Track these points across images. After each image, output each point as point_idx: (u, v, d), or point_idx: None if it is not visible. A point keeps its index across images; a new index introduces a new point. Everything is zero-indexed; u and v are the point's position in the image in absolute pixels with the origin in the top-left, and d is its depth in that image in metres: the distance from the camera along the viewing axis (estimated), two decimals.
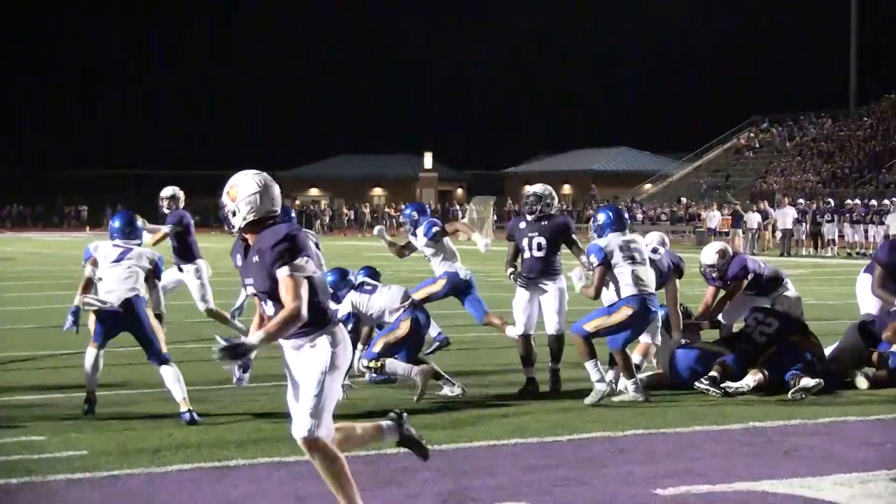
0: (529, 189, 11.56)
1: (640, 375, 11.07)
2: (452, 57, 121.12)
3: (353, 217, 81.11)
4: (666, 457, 8.50)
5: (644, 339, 11.28)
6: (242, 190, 6.25)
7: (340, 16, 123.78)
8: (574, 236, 11.33)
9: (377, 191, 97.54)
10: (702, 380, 10.92)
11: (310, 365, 6.18)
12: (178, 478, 7.78)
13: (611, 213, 11.06)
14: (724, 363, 11.09)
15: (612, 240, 10.76)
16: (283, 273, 6.06)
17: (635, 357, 11.21)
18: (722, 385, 10.85)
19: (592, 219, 11.18)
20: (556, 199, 11.52)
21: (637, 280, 10.63)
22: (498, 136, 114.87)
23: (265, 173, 6.38)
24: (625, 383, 10.83)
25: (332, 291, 10.82)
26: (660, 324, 11.33)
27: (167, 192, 14.98)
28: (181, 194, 14.97)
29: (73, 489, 7.45)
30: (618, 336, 10.69)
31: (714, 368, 11.03)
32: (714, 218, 49.24)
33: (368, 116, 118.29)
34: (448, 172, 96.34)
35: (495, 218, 66.85)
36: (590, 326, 10.63)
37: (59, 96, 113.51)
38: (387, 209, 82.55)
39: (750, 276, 12.16)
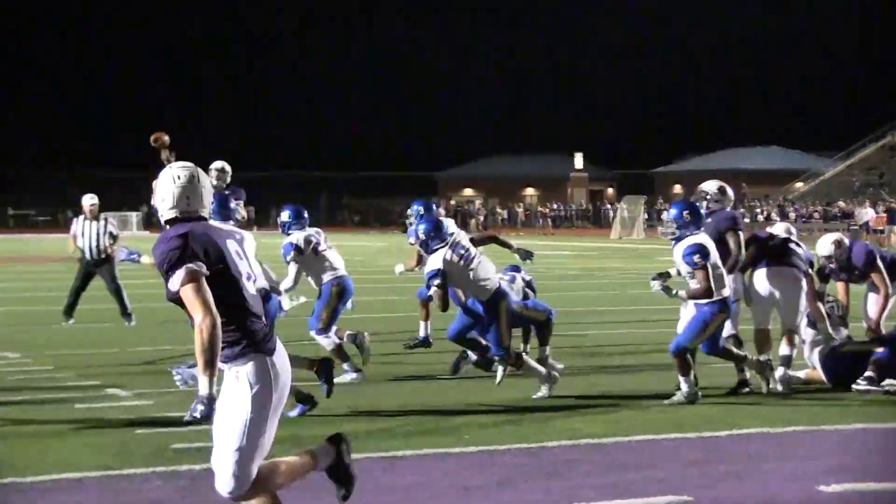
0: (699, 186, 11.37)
1: (797, 373, 10.88)
2: (602, 58, 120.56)
3: (506, 216, 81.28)
4: (828, 453, 8.34)
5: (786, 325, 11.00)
6: (161, 184, 5.62)
7: (497, 18, 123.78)
8: (739, 232, 10.89)
9: (529, 190, 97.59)
10: (859, 381, 10.60)
11: (231, 405, 5.38)
12: None
13: (692, 209, 10.43)
14: (879, 361, 10.76)
15: (703, 238, 10.29)
16: (177, 280, 5.26)
17: (784, 348, 10.93)
18: (882, 383, 10.56)
19: (666, 214, 10.74)
20: (728, 195, 11.16)
21: (723, 281, 10.30)
22: (648, 136, 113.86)
23: (194, 167, 5.68)
24: (751, 374, 10.61)
25: (422, 239, 10.67)
26: (802, 320, 11.05)
27: (218, 164, 14.79)
28: (230, 168, 14.76)
29: None
30: (708, 341, 10.40)
31: (869, 367, 10.74)
32: (867, 213, 47.96)
33: (521, 118, 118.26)
34: (598, 172, 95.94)
35: (646, 217, 66.36)
36: (692, 343, 10.25)
37: (208, 98, 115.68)
38: (539, 208, 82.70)
39: (878, 261, 11.67)
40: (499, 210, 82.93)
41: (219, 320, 5.19)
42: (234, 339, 5.36)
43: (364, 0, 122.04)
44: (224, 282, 5.37)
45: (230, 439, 5.34)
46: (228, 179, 14.36)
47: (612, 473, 7.70)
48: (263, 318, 5.56)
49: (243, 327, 5.38)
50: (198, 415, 5.15)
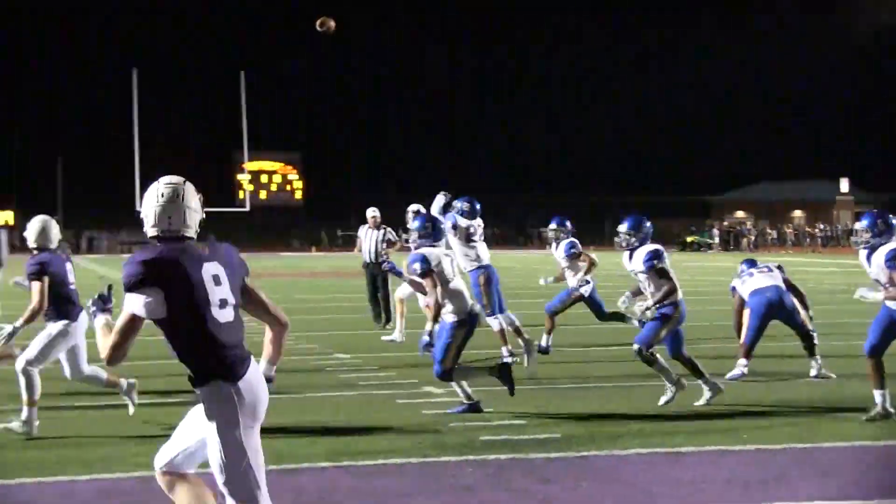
0: None
1: None
2: (864, 89, 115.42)
3: (775, 236, 79.06)
4: None
5: None
6: (146, 200, 4.90)
7: (764, 50, 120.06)
8: None
9: (797, 213, 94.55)
10: None
11: (207, 437, 4.76)
12: (637, 460, 7.80)
13: (885, 219, 9.47)
14: None
15: None
16: (125, 305, 4.65)
17: None
18: None
19: (859, 224, 9.77)
20: None
21: None
22: None
23: (181, 184, 4.92)
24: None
25: (629, 238, 9.98)
26: None
27: (414, 207, 14.93)
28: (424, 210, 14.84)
29: (550, 466, 7.63)
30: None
31: None
32: None
33: (789, 145, 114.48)
34: (864, 196, 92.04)
35: None
36: None
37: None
38: (807, 229, 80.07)
39: None
40: (768, 231, 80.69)
41: (108, 355, 4.66)
42: (195, 368, 4.73)
43: (643, 31, 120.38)
44: (187, 310, 4.64)
45: (221, 476, 4.72)
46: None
47: (886, 474, 7.35)
48: (236, 346, 4.77)
49: (204, 357, 4.68)
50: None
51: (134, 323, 4.63)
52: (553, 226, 14.17)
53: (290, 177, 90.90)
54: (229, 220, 78.90)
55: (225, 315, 4.73)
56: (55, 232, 9.33)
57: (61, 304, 9.08)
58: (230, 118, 70.82)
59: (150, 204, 4.85)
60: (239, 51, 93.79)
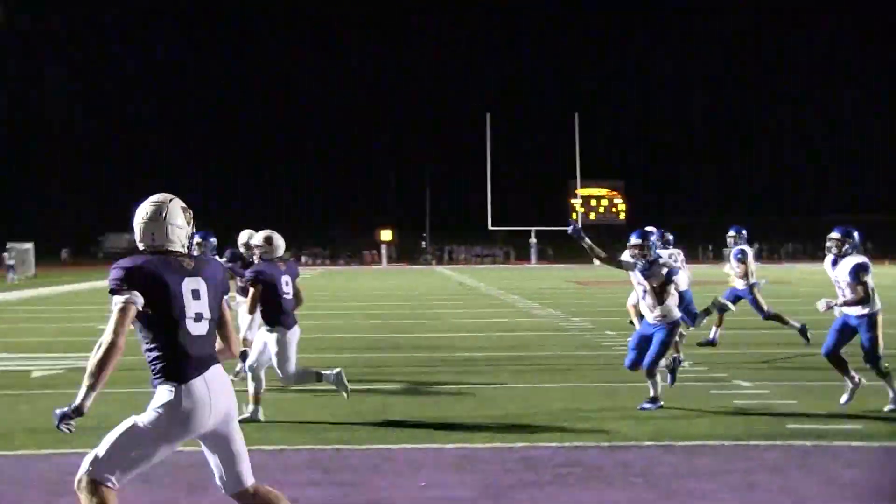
0: None
1: None
2: None
3: None
4: None
5: None
6: (135, 216, 4.44)
7: None
8: None
9: None
10: None
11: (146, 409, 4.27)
12: None
13: None
14: None
15: None
16: (113, 304, 4.21)
17: None
18: None
19: None
20: None
21: None
22: None
23: (165, 202, 4.42)
24: None
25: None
26: None
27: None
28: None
29: (853, 453, 7.17)
30: None
31: None
32: None
33: None
34: None
35: None
36: None
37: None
38: None
39: None
40: None
41: (121, 347, 4.13)
42: (154, 368, 4.25)
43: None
44: (160, 316, 4.22)
45: (115, 430, 4.21)
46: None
47: None
48: (200, 358, 4.29)
49: (164, 360, 4.22)
50: (55, 418, 4.13)
51: (129, 312, 4.18)
52: (732, 233, 14.35)
53: (615, 200, 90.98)
54: (564, 238, 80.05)
55: (199, 328, 4.32)
56: (280, 243, 8.89)
57: (273, 310, 8.64)
58: (565, 153, 71.68)
59: (136, 222, 4.43)
60: (574, 96, 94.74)
